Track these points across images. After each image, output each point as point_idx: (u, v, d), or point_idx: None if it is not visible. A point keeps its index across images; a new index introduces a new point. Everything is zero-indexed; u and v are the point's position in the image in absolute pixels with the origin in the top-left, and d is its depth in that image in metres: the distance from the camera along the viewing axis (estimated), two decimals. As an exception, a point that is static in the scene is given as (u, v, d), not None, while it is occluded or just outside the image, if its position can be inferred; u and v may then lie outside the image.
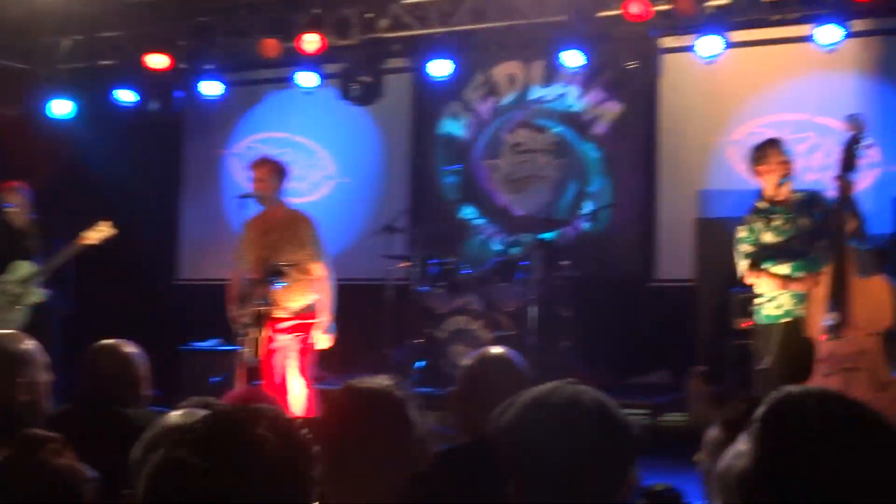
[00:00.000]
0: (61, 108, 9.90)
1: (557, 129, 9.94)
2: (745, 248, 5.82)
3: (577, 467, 1.85)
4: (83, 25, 9.67)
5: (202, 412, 2.16)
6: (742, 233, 5.88)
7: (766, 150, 5.92)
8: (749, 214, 5.92)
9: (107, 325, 4.94)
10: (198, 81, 9.69)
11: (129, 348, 3.77)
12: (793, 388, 1.66)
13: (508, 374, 3.19)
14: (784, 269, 5.78)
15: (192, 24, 9.46)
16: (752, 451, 1.62)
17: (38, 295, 7.41)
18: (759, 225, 5.74)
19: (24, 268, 7.45)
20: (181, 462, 1.56)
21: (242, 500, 1.54)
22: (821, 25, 7.82)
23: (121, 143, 10.16)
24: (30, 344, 3.42)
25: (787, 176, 5.78)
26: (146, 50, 9.42)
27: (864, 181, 7.81)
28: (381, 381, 2.85)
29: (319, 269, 6.49)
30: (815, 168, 8.61)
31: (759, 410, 1.64)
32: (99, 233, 7.09)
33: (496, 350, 3.40)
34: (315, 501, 1.66)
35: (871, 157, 7.54)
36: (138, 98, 9.72)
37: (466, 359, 3.39)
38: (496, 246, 9.97)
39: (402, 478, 2.69)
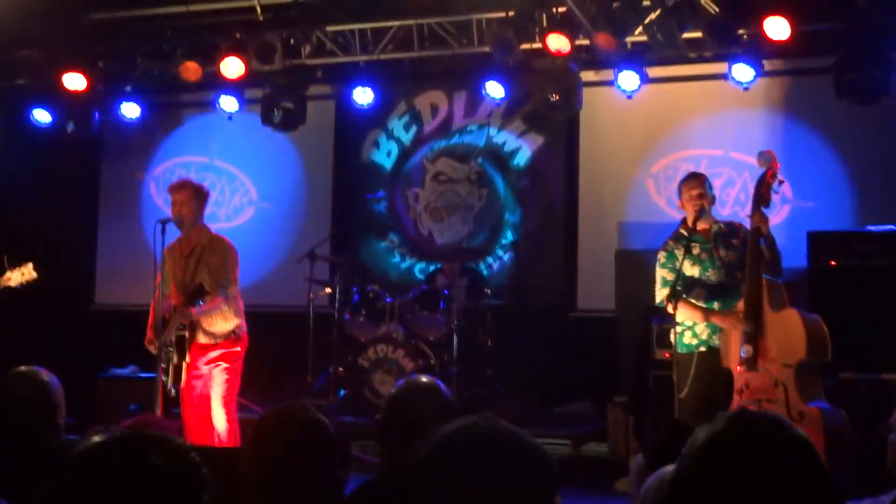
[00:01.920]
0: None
1: (479, 159, 10.01)
2: (665, 273, 5.91)
3: (495, 500, 1.84)
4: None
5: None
6: (662, 258, 5.98)
7: (682, 185, 6.05)
8: (670, 240, 6.02)
9: (21, 352, 4.82)
10: (117, 103, 9.55)
11: (44, 375, 3.67)
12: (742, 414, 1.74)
13: (433, 403, 3.17)
14: (702, 302, 5.87)
15: (111, 45, 9.32)
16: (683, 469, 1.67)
17: None
18: (679, 252, 5.84)
19: None
20: (73, 485, 1.61)
21: None
22: (736, 63, 8.03)
23: (37, 165, 9.95)
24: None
25: (702, 210, 5.90)
26: (63, 70, 9.25)
27: (777, 216, 8.03)
28: (303, 406, 2.85)
29: (220, 299, 6.33)
30: (731, 202, 8.84)
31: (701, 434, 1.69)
32: (22, 275, 6.85)
33: (421, 379, 3.39)
34: None
35: (782, 193, 7.74)
36: (52, 119, 9.53)
37: (392, 387, 3.37)
38: (418, 275, 9.98)
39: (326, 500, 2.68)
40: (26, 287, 6.86)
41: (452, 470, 1.85)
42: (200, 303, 6.07)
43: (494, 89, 8.81)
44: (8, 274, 6.84)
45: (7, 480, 2.77)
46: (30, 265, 6.85)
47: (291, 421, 2.85)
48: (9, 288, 6.86)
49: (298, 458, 2.74)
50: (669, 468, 1.80)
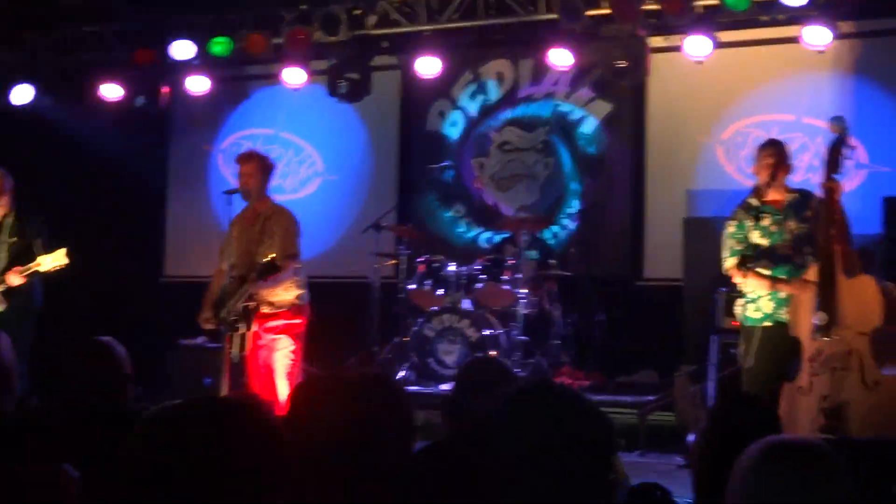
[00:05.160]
0: (23, 95, 9.75)
1: (546, 127, 9.93)
2: (733, 243, 5.80)
3: (552, 461, 1.86)
4: (70, 18, 9.64)
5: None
6: (731, 227, 5.86)
7: (758, 152, 5.92)
8: (739, 209, 5.90)
9: (93, 324, 4.91)
10: (185, 77, 9.65)
11: (114, 346, 3.73)
12: None
13: (501, 377, 3.18)
14: (769, 271, 5.77)
15: (179, 18, 9.40)
16: None
17: None
18: (748, 222, 5.73)
19: None
20: (152, 442, 1.61)
21: (212, 483, 1.58)
22: (809, 26, 7.83)
23: (107, 139, 10.10)
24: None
25: (774, 177, 5.76)
26: (134, 46, 9.37)
27: (851, 182, 7.84)
28: (349, 366, 2.87)
29: (291, 268, 6.39)
30: (804, 168, 8.65)
31: None
32: (55, 260, 6.98)
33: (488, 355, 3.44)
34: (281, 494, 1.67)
35: (857, 158, 7.56)
36: (122, 93, 9.65)
37: (457, 356, 3.41)
38: (484, 244, 9.96)
39: (392, 464, 2.68)
40: (56, 272, 6.98)
41: (513, 428, 1.88)
42: (272, 280, 6.14)
43: (561, 57, 8.70)
44: (39, 259, 6.97)
45: (77, 450, 2.82)
46: (62, 251, 6.97)
47: (358, 381, 2.85)
48: (38, 272, 7.00)
49: (366, 419, 2.73)
50: None
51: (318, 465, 2.59)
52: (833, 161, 5.56)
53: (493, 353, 7.75)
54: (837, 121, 5.67)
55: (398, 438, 2.88)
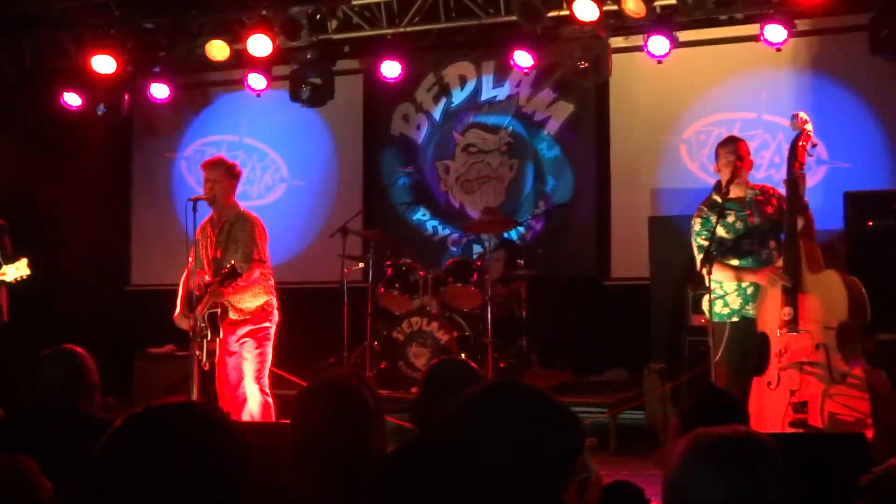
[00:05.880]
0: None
1: (509, 129, 9.96)
2: (701, 240, 5.84)
3: (521, 461, 1.85)
4: (28, 26, 9.53)
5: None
6: (696, 225, 5.91)
7: (718, 149, 5.98)
8: (703, 205, 5.95)
9: (60, 333, 4.86)
10: (146, 84, 9.57)
11: (81, 354, 3.70)
12: None
13: (467, 378, 3.17)
14: (735, 262, 5.83)
15: (138, 26, 9.32)
16: None
17: None
18: (712, 218, 5.77)
19: None
20: (118, 451, 1.62)
21: (178, 486, 1.58)
22: (767, 24, 7.91)
23: (69, 148, 10.00)
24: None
25: (736, 175, 5.81)
26: (92, 52, 9.28)
27: (813, 177, 7.92)
28: (344, 377, 2.87)
29: (256, 272, 6.36)
30: (765, 165, 8.74)
31: None
32: (18, 270, 6.92)
33: (454, 357, 3.43)
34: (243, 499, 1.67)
35: (817, 155, 7.64)
36: (82, 102, 9.56)
37: (427, 360, 3.42)
38: (450, 247, 9.97)
39: (366, 468, 2.68)
40: (19, 282, 6.93)
41: (480, 428, 1.87)
42: (233, 287, 6.10)
43: (523, 59, 8.73)
44: (3, 269, 6.91)
45: (47, 459, 2.79)
46: (24, 261, 6.93)
47: (330, 393, 2.86)
48: (3, 282, 6.94)
49: (336, 431, 2.74)
50: None
51: (309, 468, 2.60)
52: (796, 157, 5.63)
53: (462, 354, 7.75)
54: (798, 118, 5.75)
55: (376, 441, 2.90)
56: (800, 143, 5.64)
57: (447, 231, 10.10)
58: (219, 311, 6.23)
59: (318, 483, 2.63)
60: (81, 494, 1.64)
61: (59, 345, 3.77)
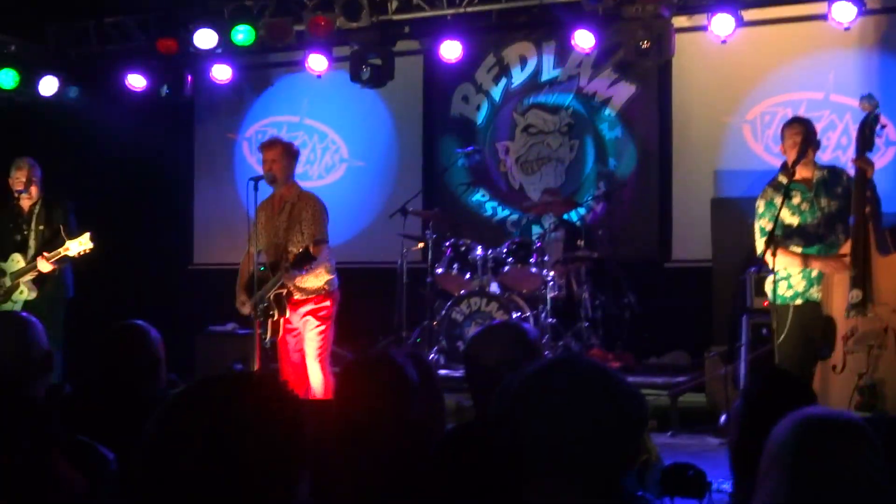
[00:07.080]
0: (49, 86, 9.75)
1: (570, 109, 9.88)
2: (764, 223, 5.74)
3: (581, 438, 1.79)
4: (92, 9, 9.66)
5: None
6: (761, 207, 5.81)
7: (784, 130, 5.86)
8: (769, 187, 5.84)
9: (124, 313, 4.93)
10: (208, 66, 9.66)
11: (147, 329, 3.73)
12: None
13: (511, 344, 3.10)
14: (800, 248, 5.72)
15: (200, 7, 9.40)
16: None
17: (27, 292, 7.25)
18: (778, 200, 5.66)
19: (17, 261, 7.31)
20: (176, 418, 1.60)
21: (233, 459, 1.56)
22: (835, 2, 7.74)
23: (133, 129, 10.14)
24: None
25: (803, 155, 5.69)
26: (156, 35, 9.39)
27: (882, 159, 7.76)
28: (383, 352, 2.86)
29: (322, 252, 6.41)
30: (832, 146, 8.57)
31: None
32: (81, 244, 7.05)
33: (500, 323, 3.36)
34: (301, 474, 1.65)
35: (887, 135, 7.49)
36: (147, 83, 9.68)
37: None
38: (510, 228, 9.94)
39: (410, 445, 2.67)
40: (82, 256, 7.06)
41: (540, 405, 1.81)
42: (305, 270, 6.18)
43: (584, 39, 8.64)
44: (67, 244, 7.03)
45: (112, 432, 2.83)
46: (87, 234, 7.04)
47: (368, 368, 2.85)
48: (66, 258, 7.07)
49: (375, 406, 2.73)
50: None
51: (361, 446, 2.60)
52: (865, 139, 5.51)
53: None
54: (868, 98, 5.62)
55: (432, 419, 2.88)
56: (868, 125, 5.52)
57: (506, 212, 10.07)
58: (284, 291, 6.30)
59: (362, 461, 2.62)
60: (138, 463, 1.64)
61: (123, 321, 3.80)
